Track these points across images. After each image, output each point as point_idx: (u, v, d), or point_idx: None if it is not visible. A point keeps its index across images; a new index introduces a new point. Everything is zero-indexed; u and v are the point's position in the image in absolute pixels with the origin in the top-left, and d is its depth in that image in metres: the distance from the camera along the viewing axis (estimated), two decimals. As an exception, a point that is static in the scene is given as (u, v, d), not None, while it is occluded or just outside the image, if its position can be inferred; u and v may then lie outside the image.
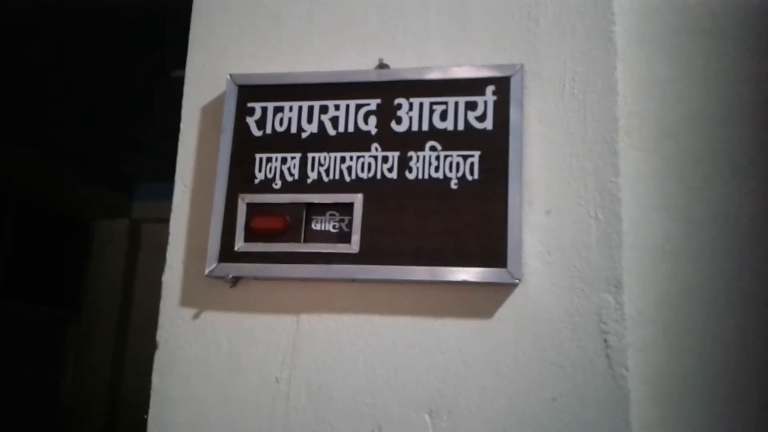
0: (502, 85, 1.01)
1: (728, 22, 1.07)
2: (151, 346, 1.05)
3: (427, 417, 0.94)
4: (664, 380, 0.96)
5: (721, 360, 0.97)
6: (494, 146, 1.00)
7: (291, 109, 1.08)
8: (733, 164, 1.02)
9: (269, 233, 1.03)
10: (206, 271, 1.03)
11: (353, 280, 1.01)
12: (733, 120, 1.04)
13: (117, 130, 3.29)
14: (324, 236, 1.02)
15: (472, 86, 1.03)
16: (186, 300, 1.05)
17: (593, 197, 0.97)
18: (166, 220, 1.10)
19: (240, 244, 1.03)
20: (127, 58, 2.54)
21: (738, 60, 1.05)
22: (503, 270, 0.95)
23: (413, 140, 1.03)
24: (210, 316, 1.04)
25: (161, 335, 1.04)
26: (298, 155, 1.06)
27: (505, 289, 0.96)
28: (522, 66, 1.02)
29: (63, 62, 2.63)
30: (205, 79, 1.14)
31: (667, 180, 1.03)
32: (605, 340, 0.91)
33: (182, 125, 1.14)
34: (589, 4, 1.03)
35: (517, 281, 0.95)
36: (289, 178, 1.05)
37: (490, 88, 1.02)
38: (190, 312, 1.04)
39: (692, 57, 1.07)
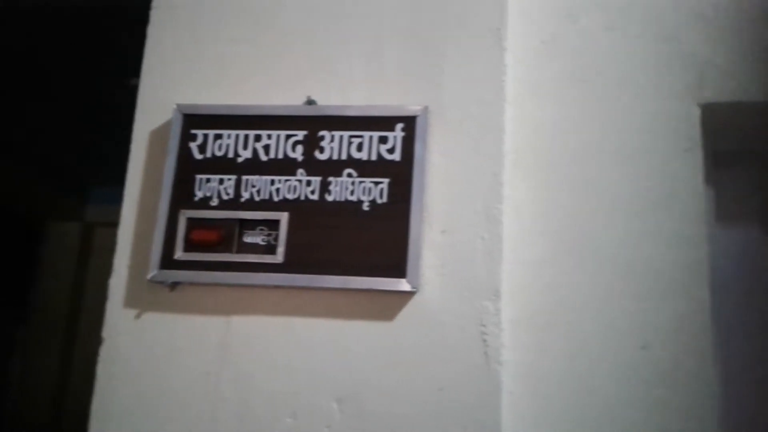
0: (410, 123, 1.19)
1: (604, 72, 1.27)
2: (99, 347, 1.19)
3: (335, 404, 1.10)
4: (536, 376, 1.15)
5: (587, 360, 1.16)
6: (401, 175, 1.17)
7: (229, 136, 1.24)
8: (602, 192, 1.22)
9: (206, 244, 1.19)
10: (148, 277, 1.18)
11: (277, 287, 1.17)
12: (603, 155, 1.23)
13: (71, 132, 3.33)
14: (254, 248, 1.18)
15: (384, 123, 1.20)
16: (129, 302, 1.20)
17: (481, 220, 1.15)
18: (118, 225, 1.25)
19: (179, 254, 1.18)
20: (84, 62, 2.61)
21: (608, 104, 1.25)
22: (404, 280, 1.12)
23: (333, 167, 1.20)
24: (151, 317, 1.19)
25: (106, 332, 1.19)
26: (233, 177, 1.22)
27: (405, 296, 1.13)
28: (426, 107, 1.20)
29: (16, 64, 2.67)
30: (155, 107, 1.29)
31: (547, 206, 1.22)
32: (484, 340, 1.10)
33: (132, 146, 1.29)
34: (485, 57, 1.22)
35: (415, 290, 1.12)
36: (225, 197, 1.21)
37: (399, 125, 1.20)
38: (132, 312, 1.19)
39: (574, 101, 1.26)
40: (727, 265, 1.28)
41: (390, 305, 1.14)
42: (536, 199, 1.22)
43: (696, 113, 1.21)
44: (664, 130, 1.22)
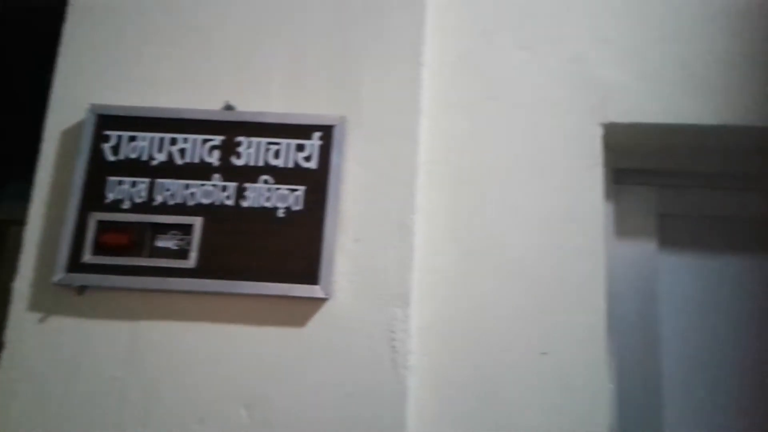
0: (327, 132, 1.21)
1: (514, 89, 1.32)
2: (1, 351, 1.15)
3: (243, 410, 1.11)
4: (442, 381, 1.19)
5: (491, 366, 1.20)
6: (317, 183, 1.19)
7: (144, 139, 1.23)
8: (510, 205, 1.27)
9: (116, 248, 1.17)
10: (54, 280, 1.15)
11: (189, 292, 1.16)
12: (512, 170, 1.28)
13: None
14: (166, 252, 1.17)
15: (302, 131, 1.22)
16: (34, 305, 1.17)
17: (393, 229, 1.18)
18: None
19: (88, 257, 1.16)
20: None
21: (518, 120, 1.30)
22: (316, 287, 1.14)
23: (249, 173, 1.20)
24: (56, 321, 1.16)
25: (8, 336, 1.15)
26: (147, 180, 1.21)
27: (317, 303, 1.15)
28: (344, 117, 1.22)
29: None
30: (68, 106, 1.26)
31: (459, 217, 1.26)
32: (393, 346, 1.12)
33: (43, 145, 1.25)
34: (402, 70, 1.25)
35: (327, 297, 1.14)
36: (137, 200, 1.20)
37: (317, 134, 1.21)
38: (37, 316, 1.16)
39: (486, 116, 1.31)
40: (625, 277, 1.36)
41: (302, 311, 1.15)
42: (448, 210, 1.26)
43: (598, 132, 1.28)
44: (569, 147, 1.28)
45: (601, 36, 1.32)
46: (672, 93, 1.29)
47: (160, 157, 1.22)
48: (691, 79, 1.30)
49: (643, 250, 1.38)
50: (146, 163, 1.22)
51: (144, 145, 1.22)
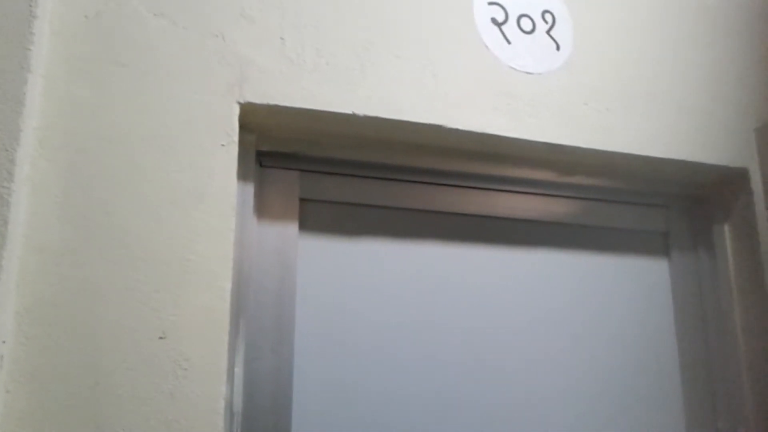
0: None
1: (148, 58, 1.24)
2: None
3: None
4: (43, 369, 1.06)
5: (102, 351, 1.10)
6: None
7: None
8: (135, 181, 1.18)
9: None
10: None
11: None
12: (139, 143, 1.20)
13: None
14: None
15: None
16: None
17: (-18, 200, 1.02)
18: None
19: None
20: None
21: (149, 91, 1.22)
22: None
23: None
24: None
25: None
26: None
27: None
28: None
29: None
30: None
31: (73, 190, 1.14)
32: (-31, 335, 0.97)
33: None
34: (10, 23, 1.10)
35: None
36: None
37: None
38: None
39: (113, 83, 1.20)
40: (265, 259, 1.35)
41: None
42: (61, 182, 1.13)
43: (235, 111, 1.26)
44: (204, 124, 1.23)
45: (246, 14, 1.31)
46: (311, 79, 1.32)
47: None
48: (329, 67, 1.34)
49: (285, 233, 1.39)
50: None
51: None
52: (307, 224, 1.43)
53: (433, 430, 1.40)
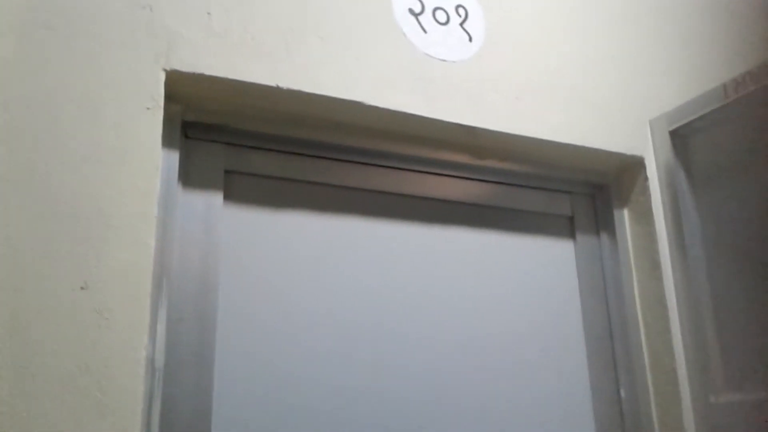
0: None
1: (75, 20, 1.27)
2: None
3: None
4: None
5: (25, 303, 1.11)
6: None
7: None
8: (56, 138, 1.20)
9: None
10: None
11: None
12: (61, 105, 1.23)
13: None
14: None
15: None
16: None
17: None
18: None
19: None
20: None
21: (75, 53, 1.26)
22: None
23: None
24: None
25: None
26: None
27: None
28: None
29: None
30: None
31: (-1, 147, 1.16)
32: None
33: None
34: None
35: None
36: None
37: None
38: None
39: (40, 44, 1.23)
40: (189, 226, 1.39)
41: None
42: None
43: (161, 78, 1.30)
44: (130, 88, 1.27)
45: (174, -12, 1.37)
46: (237, 53, 1.38)
47: None
48: (254, 42, 1.41)
49: (209, 202, 1.43)
50: None
51: None
52: (231, 196, 1.48)
53: (348, 383, 1.46)
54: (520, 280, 1.73)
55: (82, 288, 1.15)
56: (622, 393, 1.73)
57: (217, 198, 1.45)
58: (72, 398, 1.10)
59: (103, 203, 1.20)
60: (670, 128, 1.80)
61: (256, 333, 1.41)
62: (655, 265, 1.76)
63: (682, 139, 1.81)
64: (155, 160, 1.26)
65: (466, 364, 1.60)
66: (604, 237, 1.86)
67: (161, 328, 1.29)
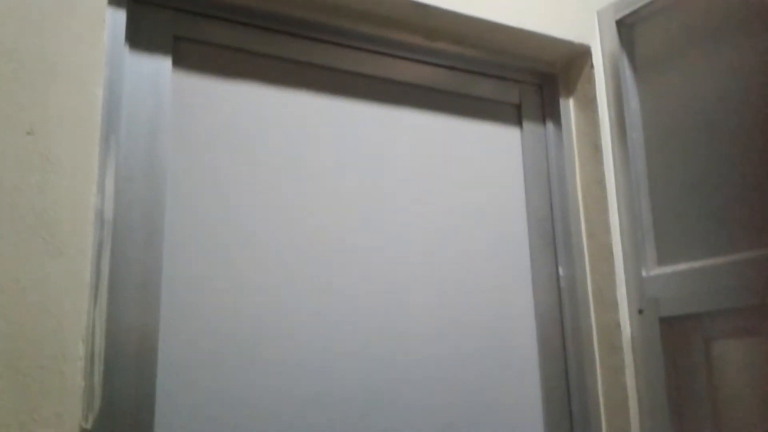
0: None
1: None
2: None
3: None
4: None
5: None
6: None
7: None
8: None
9: None
10: None
11: None
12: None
13: None
14: None
15: None
16: None
17: None
18: None
19: None
20: None
21: None
22: None
23: None
24: None
25: None
26: None
27: None
28: None
29: None
30: None
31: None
32: None
33: None
34: None
35: None
36: None
37: None
38: None
39: None
40: (137, 86, 1.39)
41: None
42: None
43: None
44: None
45: None
46: None
47: None
48: None
49: (158, 67, 1.42)
50: None
51: None
52: (181, 62, 1.47)
53: (292, 242, 1.50)
54: (467, 164, 1.78)
55: (27, 132, 1.15)
56: (561, 271, 1.82)
57: (165, 63, 1.44)
58: (21, 239, 1.12)
59: (49, 52, 1.19)
60: (617, 17, 1.84)
61: (204, 196, 1.43)
62: (596, 149, 1.83)
63: (628, 28, 1.85)
64: (101, 14, 1.25)
65: (412, 240, 1.65)
66: (550, 125, 1.92)
67: (110, 183, 1.30)
